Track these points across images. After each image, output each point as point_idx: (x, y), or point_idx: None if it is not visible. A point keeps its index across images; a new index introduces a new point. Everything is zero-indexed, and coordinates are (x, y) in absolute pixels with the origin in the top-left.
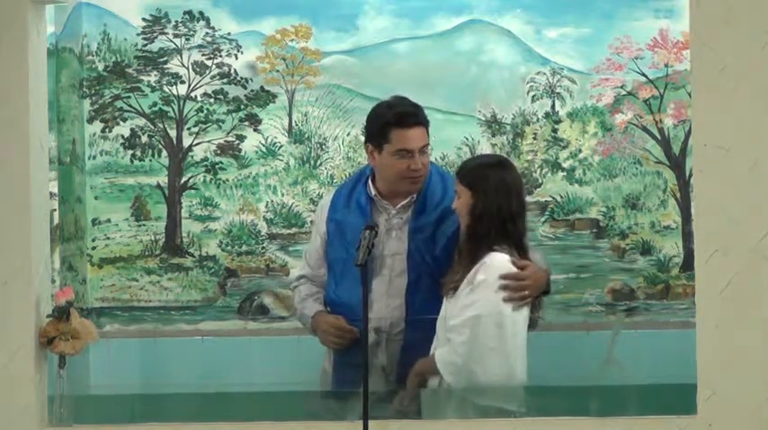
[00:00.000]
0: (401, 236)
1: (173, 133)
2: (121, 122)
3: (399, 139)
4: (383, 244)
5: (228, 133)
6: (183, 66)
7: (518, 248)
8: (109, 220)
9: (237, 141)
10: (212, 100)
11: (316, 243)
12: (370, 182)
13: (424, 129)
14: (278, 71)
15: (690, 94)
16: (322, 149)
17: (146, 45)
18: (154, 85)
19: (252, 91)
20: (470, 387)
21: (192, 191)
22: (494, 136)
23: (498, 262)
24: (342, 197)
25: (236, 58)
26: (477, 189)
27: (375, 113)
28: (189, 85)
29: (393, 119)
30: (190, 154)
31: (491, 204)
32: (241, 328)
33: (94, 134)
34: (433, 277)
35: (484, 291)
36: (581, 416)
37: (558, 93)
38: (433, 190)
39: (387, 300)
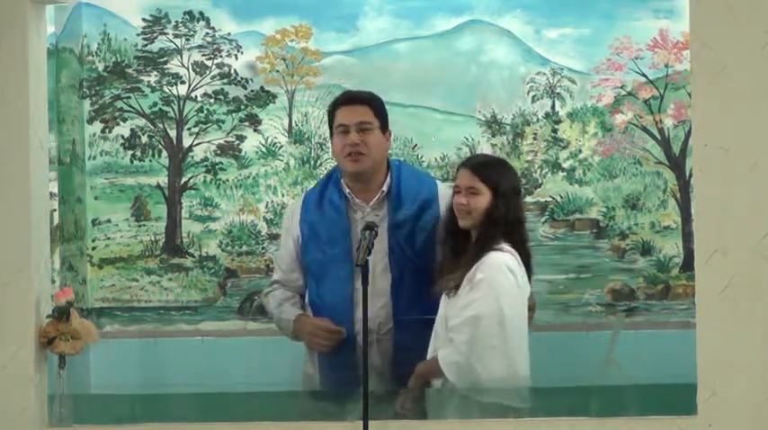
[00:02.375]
0: (380, 232)
1: (173, 133)
2: (121, 123)
3: (339, 115)
4: None
5: (228, 133)
6: (183, 66)
7: (522, 251)
8: (109, 221)
9: (237, 141)
10: (212, 100)
11: (288, 247)
12: (342, 181)
13: (367, 108)
14: (278, 71)
15: (690, 94)
16: (322, 150)
17: (146, 45)
18: (154, 85)
19: (252, 91)
20: (474, 386)
21: (192, 191)
22: (494, 136)
23: (498, 260)
24: (312, 199)
25: (236, 58)
26: (499, 190)
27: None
28: (189, 86)
29: (337, 99)
30: (190, 154)
31: (509, 206)
32: (241, 328)
33: (94, 134)
34: (416, 272)
35: (484, 289)
36: (581, 417)
37: (558, 93)
38: (407, 185)
39: (372, 300)
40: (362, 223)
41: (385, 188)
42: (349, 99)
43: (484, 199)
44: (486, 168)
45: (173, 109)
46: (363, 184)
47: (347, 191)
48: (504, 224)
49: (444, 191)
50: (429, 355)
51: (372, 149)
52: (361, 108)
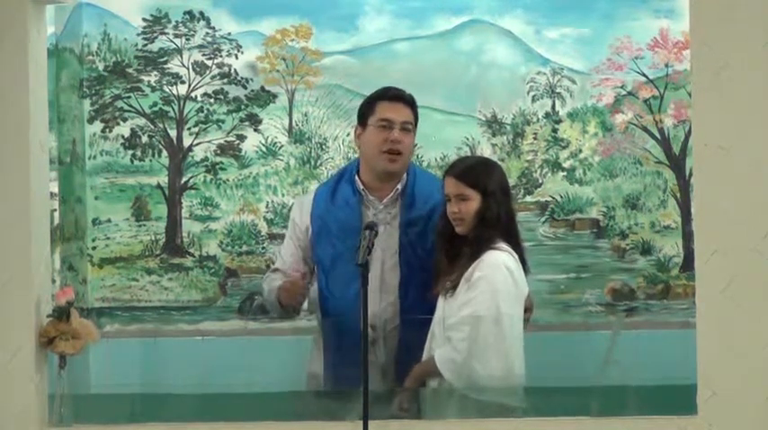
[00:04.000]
0: (391, 230)
1: (173, 133)
2: (122, 122)
3: (383, 110)
4: None
5: (229, 133)
6: (184, 66)
7: (517, 247)
8: (109, 220)
9: (238, 141)
10: (212, 100)
11: (295, 238)
12: (357, 177)
13: (410, 111)
14: (278, 71)
15: (690, 94)
16: (322, 149)
17: (146, 45)
18: (154, 85)
19: (252, 91)
20: (471, 384)
21: (193, 191)
22: (494, 136)
23: (497, 259)
24: (325, 194)
25: (237, 58)
26: (488, 191)
27: (367, 96)
28: (189, 85)
29: (381, 92)
30: (190, 154)
31: (500, 206)
32: (241, 328)
33: (95, 134)
34: (425, 271)
35: (481, 287)
36: (581, 417)
37: (559, 93)
38: (421, 185)
39: (380, 296)
40: (374, 220)
41: (400, 186)
42: (396, 96)
43: (474, 203)
44: (470, 172)
45: (173, 109)
46: (383, 183)
47: (361, 187)
48: (499, 223)
49: None
50: (425, 357)
51: (408, 150)
52: (405, 108)
